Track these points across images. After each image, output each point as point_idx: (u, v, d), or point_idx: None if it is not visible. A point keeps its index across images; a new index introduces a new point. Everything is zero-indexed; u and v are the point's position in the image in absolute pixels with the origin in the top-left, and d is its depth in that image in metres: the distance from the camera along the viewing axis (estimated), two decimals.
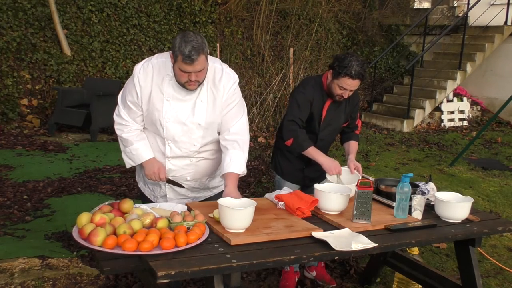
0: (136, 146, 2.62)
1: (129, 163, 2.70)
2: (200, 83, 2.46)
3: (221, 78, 2.55)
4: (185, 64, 2.33)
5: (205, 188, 2.87)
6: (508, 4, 10.21)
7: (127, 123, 2.62)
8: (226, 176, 2.57)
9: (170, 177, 2.71)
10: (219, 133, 2.68)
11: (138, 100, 2.54)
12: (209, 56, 2.50)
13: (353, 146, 3.32)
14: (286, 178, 3.32)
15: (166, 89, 2.51)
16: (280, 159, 3.35)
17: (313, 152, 3.06)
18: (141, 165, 2.69)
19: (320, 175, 3.29)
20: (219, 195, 2.83)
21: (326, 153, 3.30)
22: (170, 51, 2.41)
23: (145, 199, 2.91)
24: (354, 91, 3.17)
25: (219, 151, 2.73)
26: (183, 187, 2.75)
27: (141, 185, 2.94)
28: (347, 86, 2.96)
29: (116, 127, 2.66)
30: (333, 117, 3.17)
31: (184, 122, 2.55)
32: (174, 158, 2.65)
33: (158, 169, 2.61)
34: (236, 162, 2.57)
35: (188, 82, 2.42)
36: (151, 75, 2.50)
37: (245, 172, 2.62)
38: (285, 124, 3.09)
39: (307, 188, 3.24)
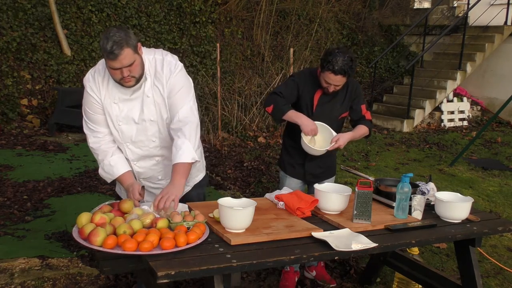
0: (112, 158, 2.54)
1: (107, 178, 2.59)
2: (137, 79, 2.37)
3: (163, 68, 2.45)
4: (110, 61, 2.26)
5: None
6: (508, 4, 10.20)
7: (102, 135, 2.55)
8: (173, 168, 2.42)
9: (141, 180, 2.66)
10: None
11: (98, 105, 2.48)
12: (148, 49, 2.47)
13: (358, 127, 3.22)
14: (288, 172, 3.33)
15: (112, 92, 2.46)
16: (284, 155, 3.38)
17: (293, 114, 3.05)
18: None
19: (322, 172, 3.31)
20: (195, 187, 2.82)
21: None
22: None
23: None
24: (355, 84, 3.19)
25: None
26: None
27: (117, 188, 2.88)
28: (330, 80, 2.96)
29: (90, 141, 2.57)
30: (327, 107, 3.15)
31: (136, 121, 2.50)
32: (138, 160, 2.61)
33: (132, 189, 2.49)
34: (182, 151, 2.41)
35: (123, 79, 2.33)
36: (97, 81, 2.47)
37: (196, 158, 2.45)
38: (268, 96, 3.16)
39: (311, 185, 3.24)
